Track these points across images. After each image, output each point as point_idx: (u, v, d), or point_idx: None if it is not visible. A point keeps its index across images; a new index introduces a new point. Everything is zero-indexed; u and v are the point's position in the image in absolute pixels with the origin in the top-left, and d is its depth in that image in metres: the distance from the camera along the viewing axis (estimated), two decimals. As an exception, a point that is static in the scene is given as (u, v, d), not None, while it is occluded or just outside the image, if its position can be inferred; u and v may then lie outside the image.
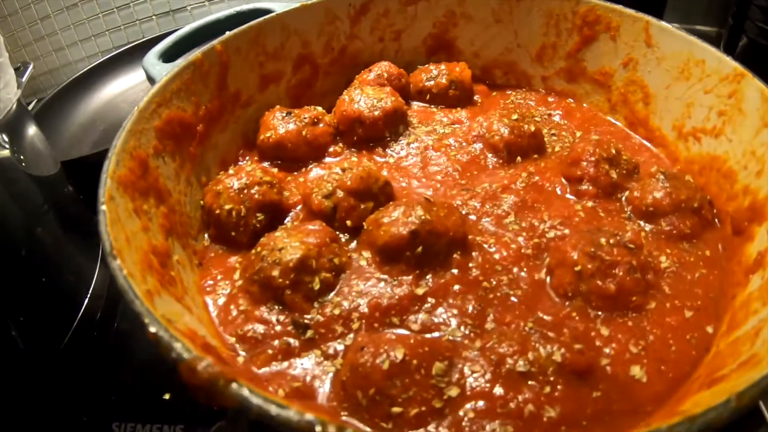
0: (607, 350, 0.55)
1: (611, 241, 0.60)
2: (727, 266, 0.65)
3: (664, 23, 0.81)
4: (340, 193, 0.67)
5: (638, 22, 0.83)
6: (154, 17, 1.52)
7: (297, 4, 0.87)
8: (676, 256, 0.65)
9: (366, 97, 0.82)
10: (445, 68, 0.91)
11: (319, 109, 0.84)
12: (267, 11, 0.87)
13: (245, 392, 0.36)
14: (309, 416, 0.34)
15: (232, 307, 0.60)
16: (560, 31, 0.91)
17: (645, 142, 0.86)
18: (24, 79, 0.79)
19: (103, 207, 0.50)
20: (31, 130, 0.77)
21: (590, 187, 0.73)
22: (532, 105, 0.93)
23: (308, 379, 0.53)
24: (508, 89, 0.98)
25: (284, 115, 0.81)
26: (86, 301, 0.80)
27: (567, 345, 0.52)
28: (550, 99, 0.95)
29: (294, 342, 0.56)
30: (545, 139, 0.83)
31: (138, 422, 0.69)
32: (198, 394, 0.36)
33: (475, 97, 0.93)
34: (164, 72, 0.72)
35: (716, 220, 0.71)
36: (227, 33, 0.78)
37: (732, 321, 0.58)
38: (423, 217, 0.60)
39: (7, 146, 0.69)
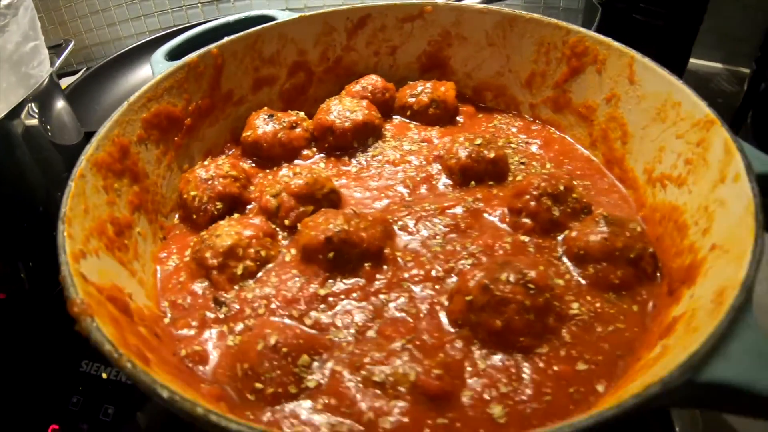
0: (473, 383, 0.59)
1: (511, 278, 0.62)
2: (650, 326, 0.65)
3: (648, 60, 0.82)
4: (284, 195, 0.79)
5: (624, 57, 0.85)
6: (199, 5, 1.73)
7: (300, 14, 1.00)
8: (592, 305, 0.66)
9: (341, 107, 0.93)
10: (430, 87, 0.99)
11: (301, 114, 0.97)
12: (273, 18, 1.01)
13: (93, 325, 0.50)
14: (122, 351, 0.48)
15: (174, 277, 0.75)
16: (550, 60, 0.95)
17: (617, 182, 0.88)
18: (62, 57, 0.99)
19: (71, 183, 0.66)
20: (60, 102, 0.97)
21: (528, 221, 0.77)
22: (513, 131, 0.98)
23: (208, 346, 0.66)
24: (495, 112, 1.04)
25: (267, 117, 0.94)
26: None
27: (427, 368, 0.58)
28: (534, 127, 0.99)
29: (210, 315, 0.69)
30: (512, 168, 0.88)
31: (103, 364, 0.88)
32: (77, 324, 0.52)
33: (459, 118, 1.01)
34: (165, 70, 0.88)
35: (658, 275, 0.71)
36: (225, 38, 0.93)
37: (622, 385, 0.58)
38: (341, 227, 0.71)
39: (36, 116, 0.89)
